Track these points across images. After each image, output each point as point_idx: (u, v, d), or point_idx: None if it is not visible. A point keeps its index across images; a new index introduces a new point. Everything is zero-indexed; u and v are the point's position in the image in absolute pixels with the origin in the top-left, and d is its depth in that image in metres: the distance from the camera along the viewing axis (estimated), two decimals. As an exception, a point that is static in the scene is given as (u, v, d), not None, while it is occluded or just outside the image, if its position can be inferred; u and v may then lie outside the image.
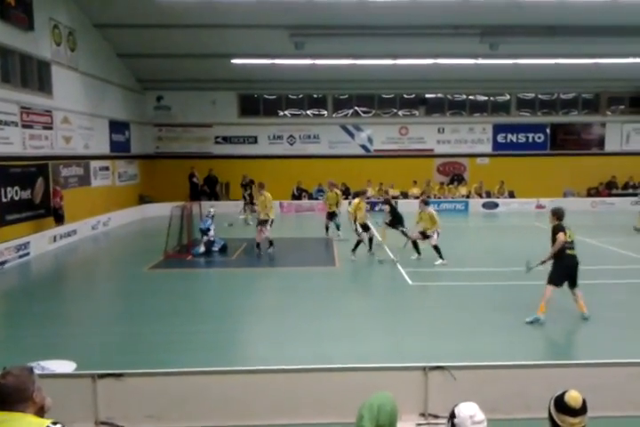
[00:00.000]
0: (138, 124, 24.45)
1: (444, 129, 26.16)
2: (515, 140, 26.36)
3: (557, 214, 8.70)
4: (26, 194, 15.20)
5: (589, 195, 25.74)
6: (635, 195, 24.51)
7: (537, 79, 24.19)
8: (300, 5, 17.11)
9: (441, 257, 12.79)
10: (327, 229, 16.86)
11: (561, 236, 8.33)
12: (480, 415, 2.93)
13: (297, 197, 24.99)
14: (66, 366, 6.48)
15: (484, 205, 24.61)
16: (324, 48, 20.42)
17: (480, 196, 25.23)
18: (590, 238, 14.64)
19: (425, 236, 13.06)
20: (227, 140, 25.87)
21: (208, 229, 14.61)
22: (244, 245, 15.59)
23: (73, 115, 17.99)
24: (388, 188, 25.04)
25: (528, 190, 24.84)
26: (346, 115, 26.24)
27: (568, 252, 8.46)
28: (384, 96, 26.07)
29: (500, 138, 26.31)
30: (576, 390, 3.18)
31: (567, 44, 19.61)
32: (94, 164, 19.80)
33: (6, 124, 14.28)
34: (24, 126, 15.10)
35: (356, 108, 26.17)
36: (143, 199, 24.02)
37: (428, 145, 26.22)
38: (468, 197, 25.14)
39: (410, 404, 4.75)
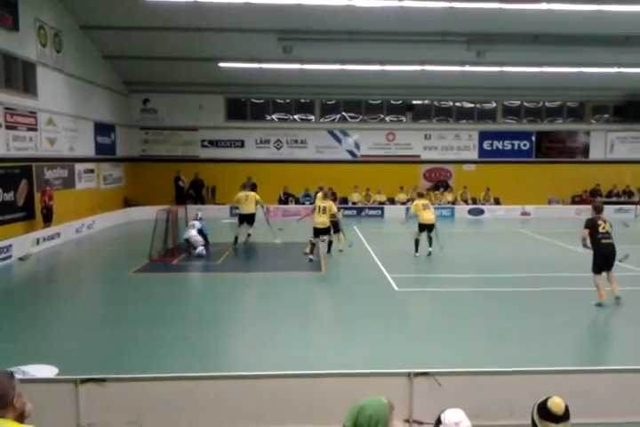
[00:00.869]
0: (124, 126, 24.30)
1: (430, 135, 26.29)
2: (500, 147, 26.57)
3: (596, 208, 10.15)
4: (9, 196, 15.03)
5: (574, 202, 25.98)
6: (618, 203, 24.81)
7: (523, 87, 24.43)
8: (288, 10, 17.12)
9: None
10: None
11: (585, 232, 9.82)
12: (466, 422, 2.92)
13: (284, 201, 24.97)
14: (47, 371, 6.38)
15: (470, 212, 24.76)
16: (312, 53, 20.46)
17: (465, 202, 25.39)
18: (574, 246, 14.74)
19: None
20: (213, 143, 25.79)
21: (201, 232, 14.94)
22: (230, 249, 15.53)
23: (58, 116, 17.84)
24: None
25: (513, 197, 25.07)
26: (333, 120, 26.28)
27: (603, 241, 9.73)
28: (371, 102, 26.16)
29: (485, 145, 26.51)
30: (559, 397, 3.20)
31: (552, 52, 19.82)
32: (79, 166, 19.64)
33: (-10, 125, 14.16)
34: (8, 128, 14.93)
35: (344, 113, 26.23)
36: (128, 202, 23.86)
37: (415, 151, 26.33)
38: (454, 203, 25.28)
39: (394, 410, 4.74)
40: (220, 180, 24.94)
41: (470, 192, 25.58)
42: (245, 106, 25.91)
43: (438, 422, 2.96)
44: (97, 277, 13.13)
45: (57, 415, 4.77)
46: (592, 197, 25.90)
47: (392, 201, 25.19)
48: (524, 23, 18.05)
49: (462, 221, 23.52)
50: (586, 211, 24.70)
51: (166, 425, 4.94)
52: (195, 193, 24.87)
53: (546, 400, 3.17)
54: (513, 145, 26.57)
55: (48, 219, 16.49)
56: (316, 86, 24.38)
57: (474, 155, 26.52)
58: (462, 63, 21.47)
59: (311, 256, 13.89)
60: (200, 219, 15.39)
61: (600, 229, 9.74)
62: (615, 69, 21.92)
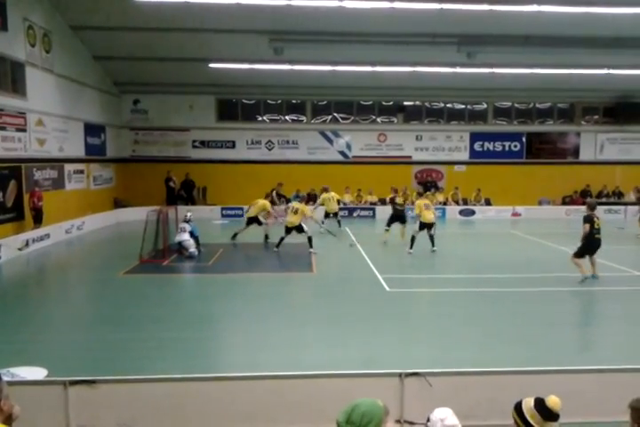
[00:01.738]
0: (114, 127, 24.18)
1: (421, 136, 26.34)
2: (491, 148, 26.65)
3: (590, 205, 11.45)
4: (-2, 197, 14.94)
5: (564, 203, 26.12)
6: (608, 204, 24.94)
7: (513, 88, 24.53)
8: (279, 11, 17.10)
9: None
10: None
11: (586, 226, 10.99)
12: (452, 420, 2.94)
13: (275, 202, 24.90)
14: (36, 373, 6.33)
15: (461, 213, 24.83)
16: (304, 54, 20.46)
17: (456, 203, 25.46)
18: (564, 246, 14.82)
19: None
20: (204, 144, 25.72)
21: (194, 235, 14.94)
22: (221, 250, 15.50)
23: (47, 117, 17.73)
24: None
25: (504, 198, 25.18)
26: (324, 121, 26.27)
27: (596, 236, 11.14)
28: (363, 103, 26.18)
29: (476, 146, 26.59)
30: (552, 395, 3.20)
31: (542, 54, 19.91)
32: (68, 167, 19.51)
33: (-21, 125, 14.05)
34: (-3, 128, 14.85)
35: (335, 114, 26.22)
36: (118, 203, 23.74)
37: (406, 152, 26.38)
38: (445, 204, 25.34)
39: (389, 415, 4.75)
40: (212, 180, 24.87)
41: (461, 193, 25.65)
42: (236, 107, 25.86)
43: (427, 420, 2.99)
44: (87, 278, 13.05)
45: (46, 418, 4.74)
46: (582, 197, 26.05)
47: (383, 202, 25.16)
48: (514, 25, 18.13)
49: (453, 222, 23.57)
50: (576, 211, 25.02)
51: (157, 427, 4.91)
52: (185, 194, 24.77)
53: (542, 402, 3.16)
54: (504, 146, 26.67)
55: (38, 220, 16.40)
56: (307, 87, 24.37)
57: (465, 156, 26.60)
58: (453, 64, 21.53)
59: (275, 249, 15.22)
60: (189, 221, 15.07)
61: (595, 225, 11.00)
62: (605, 71, 22.05)
